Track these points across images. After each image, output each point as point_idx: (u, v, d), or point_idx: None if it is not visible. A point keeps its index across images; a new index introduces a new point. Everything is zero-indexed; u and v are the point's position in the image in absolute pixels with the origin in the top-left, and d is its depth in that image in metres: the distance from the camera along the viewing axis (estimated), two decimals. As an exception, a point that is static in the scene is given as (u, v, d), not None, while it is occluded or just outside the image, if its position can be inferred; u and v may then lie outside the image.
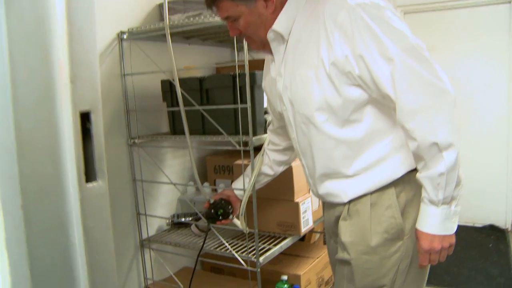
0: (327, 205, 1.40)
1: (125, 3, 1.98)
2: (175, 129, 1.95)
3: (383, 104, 1.17)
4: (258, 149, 1.69)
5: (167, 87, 1.91)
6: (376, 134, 1.21)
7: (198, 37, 2.18)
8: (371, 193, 1.23)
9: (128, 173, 2.00)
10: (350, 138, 1.21)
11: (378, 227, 1.22)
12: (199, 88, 1.82)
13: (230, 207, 1.75)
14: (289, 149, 1.58)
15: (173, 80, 1.71)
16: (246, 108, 1.63)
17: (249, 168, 1.66)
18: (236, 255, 1.75)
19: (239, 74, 1.69)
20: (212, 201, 1.77)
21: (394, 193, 1.21)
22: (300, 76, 1.20)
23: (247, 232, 1.74)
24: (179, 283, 1.99)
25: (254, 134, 1.71)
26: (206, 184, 2.20)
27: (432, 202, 1.13)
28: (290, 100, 1.26)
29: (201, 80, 1.82)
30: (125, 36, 1.94)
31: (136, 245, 2.05)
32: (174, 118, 1.94)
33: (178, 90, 1.71)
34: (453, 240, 1.17)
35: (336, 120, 1.20)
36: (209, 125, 1.81)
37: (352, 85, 1.15)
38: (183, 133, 1.81)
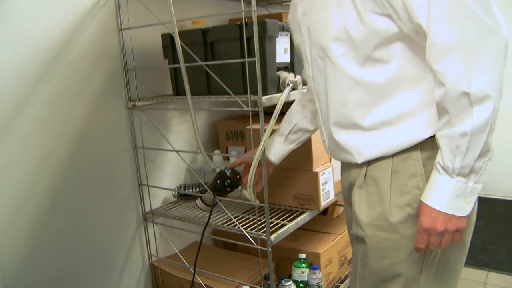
0: (343, 167, 1.19)
1: None
2: (178, 89, 1.73)
3: (417, 43, 0.92)
4: (269, 113, 1.45)
5: (168, 42, 1.68)
6: (404, 81, 0.97)
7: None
8: (392, 156, 1.00)
9: (128, 140, 1.80)
10: (371, 80, 0.98)
11: (399, 198, 1.01)
12: (203, 41, 1.58)
13: (238, 176, 1.54)
14: None
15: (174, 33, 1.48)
16: (255, 63, 1.39)
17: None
18: (245, 232, 1.54)
19: (246, 23, 1.44)
20: (217, 170, 1.56)
21: (421, 159, 0.99)
22: None
23: (257, 205, 1.52)
24: (185, 261, 1.80)
25: (264, 93, 1.47)
26: (217, 151, 1.98)
27: (445, 169, 0.89)
28: (308, 27, 1.07)
29: (204, 32, 1.57)
30: (121, -15, 1.71)
31: (139, 218, 1.87)
32: (176, 77, 1.71)
33: (178, 43, 1.48)
34: (463, 224, 0.93)
35: (355, 56, 0.97)
36: (215, 84, 1.57)
37: (379, 14, 0.91)
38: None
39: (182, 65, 1.50)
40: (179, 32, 1.60)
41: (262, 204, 1.48)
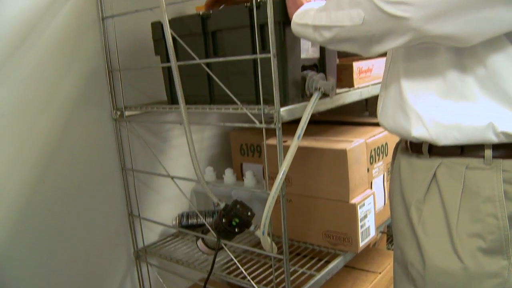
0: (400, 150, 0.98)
1: None
2: (174, 96, 1.34)
3: None
4: (291, 128, 1.06)
5: (160, 33, 1.28)
6: None
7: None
8: (466, 154, 0.80)
9: (114, 159, 1.42)
10: None
11: (469, 225, 0.79)
12: (202, 31, 1.19)
13: (249, 213, 1.15)
14: None
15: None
16: (270, 60, 0.99)
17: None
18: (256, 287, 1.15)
19: (259, 4, 1.04)
20: (222, 205, 1.17)
21: (501, 179, 0.77)
22: None
23: (274, 255, 1.12)
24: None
25: (284, 102, 1.07)
26: (228, 171, 1.58)
27: None
28: None
29: (203, 18, 1.17)
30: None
31: (130, 257, 1.49)
32: (171, 80, 1.32)
33: (167, 33, 1.10)
34: None
35: None
36: (219, 89, 1.17)
37: None
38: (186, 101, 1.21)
39: (174, 64, 1.12)
40: (172, 20, 1.21)
41: (281, 256, 1.08)
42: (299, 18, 0.95)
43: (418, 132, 0.84)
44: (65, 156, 1.29)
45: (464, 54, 0.77)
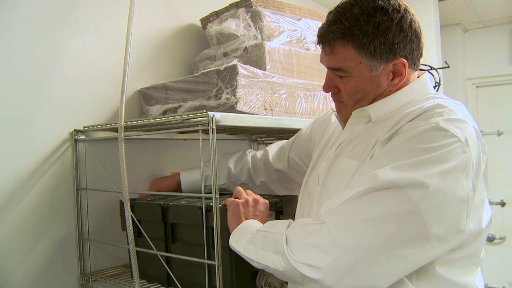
0: None
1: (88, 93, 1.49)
2: (140, 271, 1.36)
3: None
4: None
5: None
6: None
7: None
8: None
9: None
10: None
11: None
12: (162, 219, 1.24)
13: None
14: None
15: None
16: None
17: None
18: None
19: (208, 208, 1.10)
20: None
21: None
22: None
23: None
24: None
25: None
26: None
27: None
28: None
29: (164, 209, 1.24)
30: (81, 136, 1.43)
31: None
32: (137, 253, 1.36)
33: (128, 222, 1.15)
34: None
35: None
36: (179, 275, 1.21)
37: None
38: (147, 277, 1.25)
39: (132, 248, 1.17)
40: (137, 204, 1.28)
41: None
42: (234, 240, 1.00)
43: None
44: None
45: None
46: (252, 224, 1.00)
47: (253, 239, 0.93)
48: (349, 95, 0.96)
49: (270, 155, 1.39)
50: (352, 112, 0.98)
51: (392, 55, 0.89)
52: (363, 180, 0.81)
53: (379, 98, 0.95)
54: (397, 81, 0.92)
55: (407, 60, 0.91)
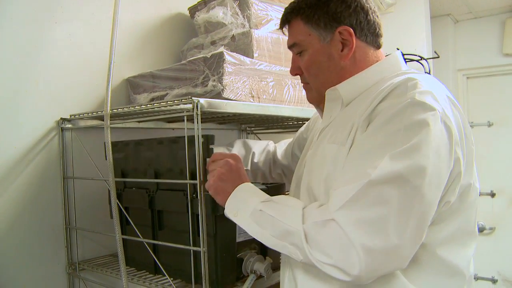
0: None
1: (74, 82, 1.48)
2: (127, 258, 1.37)
3: None
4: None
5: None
6: None
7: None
8: None
9: (66, 313, 1.43)
10: None
11: None
12: (149, 207, 1.24)
13: None
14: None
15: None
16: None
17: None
18: None
19: (192, 198, 1.10)
20: None
21: None
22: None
23: None
24: None
25: (217, 286, 1.09)
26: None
27: None
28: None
29: (151, 197, 1.23)
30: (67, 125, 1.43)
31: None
32: (125, 240, 1.36)
33: (114, 203, 1.15)
34: None
35: None
36: (166, 262, 1.21)
37: None
38: (136, 264, 1.25)
39: (118, 235, 1.16)
40: (122, 191, 1.28)
41: None
42: (232, 213, 0.94)
43: None
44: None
45: None
46: (247, 193, 0.96)
47: (259, 220, 0.89)
48: (306, 69, 1.00)
49: (278, 151, 1.42)
50: (326, 94, 0.98)
51: (336, 23, 0.94)
52: (363, 173, 0.78)
53: (342, 75, 0.96)
54: (346, 51, 0.95)
55: (354, 30, 0.94)
